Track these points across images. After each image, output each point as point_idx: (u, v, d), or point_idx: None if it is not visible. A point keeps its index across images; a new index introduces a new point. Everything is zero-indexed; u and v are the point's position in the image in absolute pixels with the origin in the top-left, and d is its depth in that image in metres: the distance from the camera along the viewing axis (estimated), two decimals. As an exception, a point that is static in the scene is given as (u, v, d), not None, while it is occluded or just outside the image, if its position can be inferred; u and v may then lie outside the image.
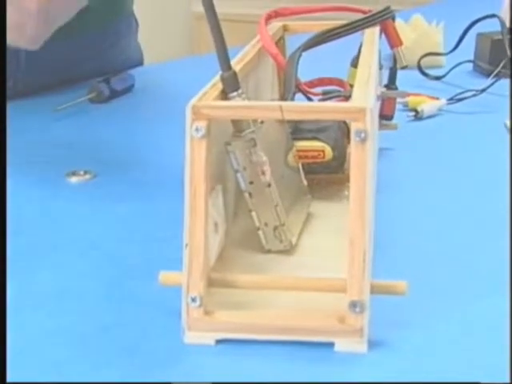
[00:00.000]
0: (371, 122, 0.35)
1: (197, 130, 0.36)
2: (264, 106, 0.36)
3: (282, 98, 0.48)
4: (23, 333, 0.38)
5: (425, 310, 0.39)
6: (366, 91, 0.38)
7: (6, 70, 0.35)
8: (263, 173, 0.41)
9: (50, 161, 0.61)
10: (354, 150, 0.35)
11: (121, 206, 0.53)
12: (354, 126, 0.35)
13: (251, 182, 0.41)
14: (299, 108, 0.36)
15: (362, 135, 0.35)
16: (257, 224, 0.42)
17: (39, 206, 0.53)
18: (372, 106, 0.35)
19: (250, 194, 0.41)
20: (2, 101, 0.36)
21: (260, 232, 0.43)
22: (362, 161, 0.35)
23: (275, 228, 0.42)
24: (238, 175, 0.41)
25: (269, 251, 0.43)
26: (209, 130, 0.36)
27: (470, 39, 0.85)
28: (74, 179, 0.58)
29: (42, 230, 0.50)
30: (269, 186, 0.41)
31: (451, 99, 0.73)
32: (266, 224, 0.42)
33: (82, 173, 0.58)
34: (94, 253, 0.46)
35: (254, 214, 0.42)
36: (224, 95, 0.38)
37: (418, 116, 0.70)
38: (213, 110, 0.36)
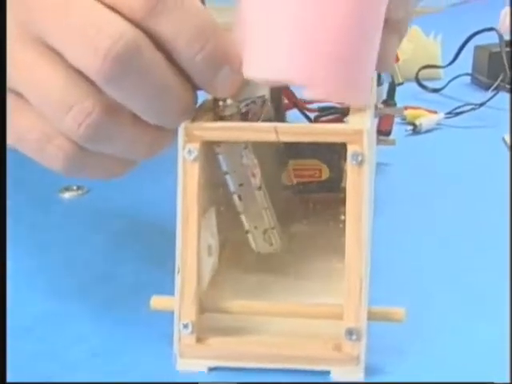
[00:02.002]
0: (368, 144, 0.34)
1: (189, 152, 0.35)
2: (258, 128, 0.35)
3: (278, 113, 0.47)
4: (12, 356, 0.37)
5: (423, 336, 0.38)
6: (364, 112, 0.37)
7: (5, 74, 0.34)
8: (254, 175, 0.40)
9: (42, 176, 0.60)
10: (350, 173, 0.34)
11: (113, 223, 0.52)
12: (350, 149, 0.34)
13: (241, 184, 0.40)
14: (295, 130, 0.35)
15: (359, 158, 0.34)
16: (246, 227, 0.41)
17: (31, 221, 0.52)
18: (369, 127, 0.34)
19: (239, 197, 0.40)
20: (2, 104, 0.35)
21: (249, 235, 0.41)
22: (358, 184, 0.34)
23: (265, 231, 0.42)
24: (227, 177, 0.40)
25: (258, 254, 0.42)
26: (202, 152, 0.35)
27: (468, 52, 0.85)
28: (66, 195, 0.57)
29: (32, 247, 0.49)
30: (259, 188, 0.40)
31: (449, 113, 0.72)
32: (255, 227, 0.41)
33: (74, 188, 0.57)
34: (85, 273, 0.45)
35: (243, 216, 0.41)
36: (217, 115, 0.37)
37: (416, 130, 0.70)
38: (206, 132, 0.35)
